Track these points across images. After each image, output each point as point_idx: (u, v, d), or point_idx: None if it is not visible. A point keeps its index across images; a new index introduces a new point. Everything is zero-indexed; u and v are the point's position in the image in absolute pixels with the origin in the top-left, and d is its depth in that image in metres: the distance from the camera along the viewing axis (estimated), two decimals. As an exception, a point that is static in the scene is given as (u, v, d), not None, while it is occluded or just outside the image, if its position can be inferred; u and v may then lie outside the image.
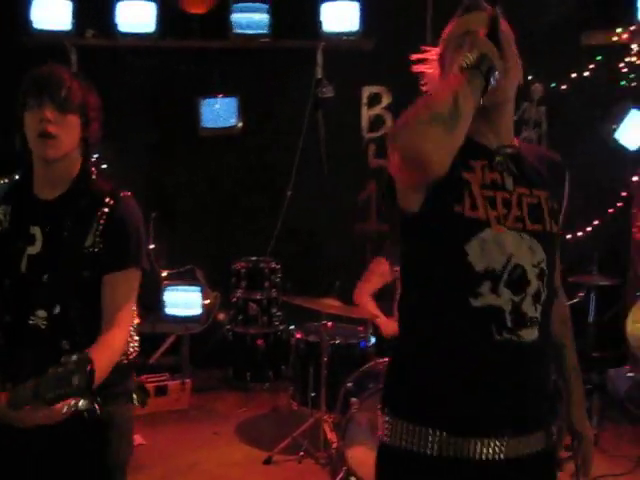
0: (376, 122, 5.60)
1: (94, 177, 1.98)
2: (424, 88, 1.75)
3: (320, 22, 5.27)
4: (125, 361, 1.97)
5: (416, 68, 1.76)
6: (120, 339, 1.88)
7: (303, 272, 5.29)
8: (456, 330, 1.55)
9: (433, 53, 1.73)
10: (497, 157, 1.62)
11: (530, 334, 1.55)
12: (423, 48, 1.76)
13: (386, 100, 5.55)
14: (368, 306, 4.22)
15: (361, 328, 4.25)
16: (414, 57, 1.75)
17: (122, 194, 1.95)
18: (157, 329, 5.02)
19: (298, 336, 4.26)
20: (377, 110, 5.58)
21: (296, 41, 5.39)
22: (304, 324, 4.35)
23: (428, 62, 1.74)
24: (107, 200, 1.90)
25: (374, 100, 5.58)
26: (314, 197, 5.28)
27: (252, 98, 5.42)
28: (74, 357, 1.54)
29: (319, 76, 5.42)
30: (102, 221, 1.88)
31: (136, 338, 2.06)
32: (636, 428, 4.35)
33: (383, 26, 5.23)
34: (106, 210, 1.89)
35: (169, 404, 4.75)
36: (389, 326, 4.03)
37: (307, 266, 5.32)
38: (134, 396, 2.03)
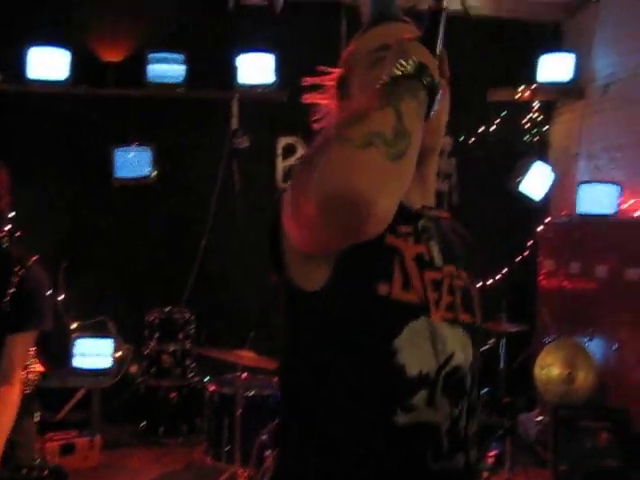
0: (291, 173, 5.65)
1: (6, 246, 2.19)
2: (317, 125, 1.35)
3: (236, 73, 5.34)
4: None
5: (306, 99, 1.38)
6: (17, 396, 2.05)
7: (218, 323, 5.24)
8: (376, 454, 1.13)
9: (328, 78, 1.35)
10: (421, 222, 1.22)
11: (461, 459, 1.19)
12: (319, 70, 1.38)
13: (301, 151, 5.64)
14: None
15: (276, 379, 4.22)
16: (304, 82, 1.38)
17: (31, 262, 2.16)
18: (66, 383, 4.85)
19: (212, 388, 4.19)
20: (292, 161, 5.65)
21: (212, 91, 5.43)
22: (218, 376, 4.29)
23: (322, 91, 1.36)
24: (17, 269, 2.11)
25: (289, 151, 5.66)
26: (229, 247, 5.26)
27: (167, 148, 5.40)
28: None
29: (234, 126, 5.45)
30: (12, 288, 2.08)
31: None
32: (545, 471, 4.45)
33: (298, 77, 5.31)
34: (16, 279, 2.10)
35: (77, 462, 4.55)
36: None
37: (222, 317, 5.27)
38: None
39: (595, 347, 4.64)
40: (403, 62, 1.05)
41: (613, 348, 4.46)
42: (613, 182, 5.04)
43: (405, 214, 1.17)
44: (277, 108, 5.36)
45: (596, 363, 4.49)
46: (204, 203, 5.38)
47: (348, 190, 0.90)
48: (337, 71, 1.34)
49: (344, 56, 1.34)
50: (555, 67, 5.60)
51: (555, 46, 5.89)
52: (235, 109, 5.49)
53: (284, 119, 5.43)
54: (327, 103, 1.36)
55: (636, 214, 4.77)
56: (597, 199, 4.95)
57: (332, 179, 0.92)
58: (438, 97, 1.07)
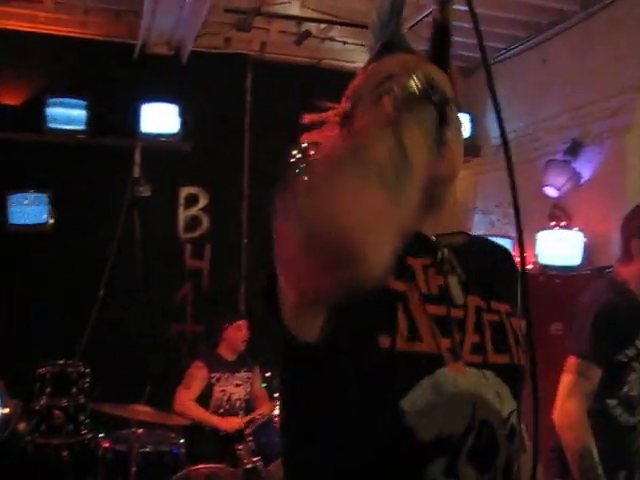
0: (192, 223, 5.62)
1: None
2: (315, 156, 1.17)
3: (139, 121, 5.29)
4: None
5: (306, 138, 1.20)
6: None
7: (114, 376, 5.04)
8: None
9: (331, 114, 1.20)
10: (440, 252, 1.09)
11: None
12: (318, 106, 1.21)
13: (203, 201, 5.61)
14: (197, 412, 4.24)
15: (174, 435, 4.10)
16: (306, 119, 1.21)
17: None
18: (-54, 443, 4.52)
19: (105, 445, 4.01)
20: (194, 211, 5.61)
21: (114, 139, 5.35)
22: (113, 432, 4.12)
23: (322, 128, 1.20)
24: None
25: (191, 201, 5.62)
26: (128, 298, 5.13)
27: (66, 195, 5.25)
28: None
29: (136, 175, 5.37)
30: None
31: None
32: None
33: (202, 128, 5.34)
34: None
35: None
36: (226, 422, 4.16)
37: (119, 370, 5.08)
38: None
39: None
40: (412, 80, 0.95)
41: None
42: (506, 236, 5.25)
43: (419, 243, 1.06)
44: (180, 158, 5.34)
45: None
46: (103, 252, 5.24)
47: (340, 234, 0.77)
48: (340, 107, 1.20)
49: (348, 91, 1.20)
50: (452, 126, 5.84)
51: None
52: (137, 157, 5.42)
53: (187, 169, 5.41)
54: (329, 137, 1.19)
55: (529, 267, 4.98)
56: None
57: (326, 223, 0.77)
58: (451, 115, 0.97)
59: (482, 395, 1.00)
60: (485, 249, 1.23)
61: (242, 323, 4.52)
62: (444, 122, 0.96)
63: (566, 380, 2.33)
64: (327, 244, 0.78)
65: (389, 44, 1.14)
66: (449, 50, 1.06)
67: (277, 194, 0.82)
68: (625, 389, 2.31)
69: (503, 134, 0.96)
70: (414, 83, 0.95)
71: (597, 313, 2.33)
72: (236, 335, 4.48)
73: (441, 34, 1.06)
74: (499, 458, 1.01)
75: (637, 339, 2.31)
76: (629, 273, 2.40)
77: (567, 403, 2.30)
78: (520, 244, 0.99)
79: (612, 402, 2.32)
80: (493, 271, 1.15)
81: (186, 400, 4.31)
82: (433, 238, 1.10)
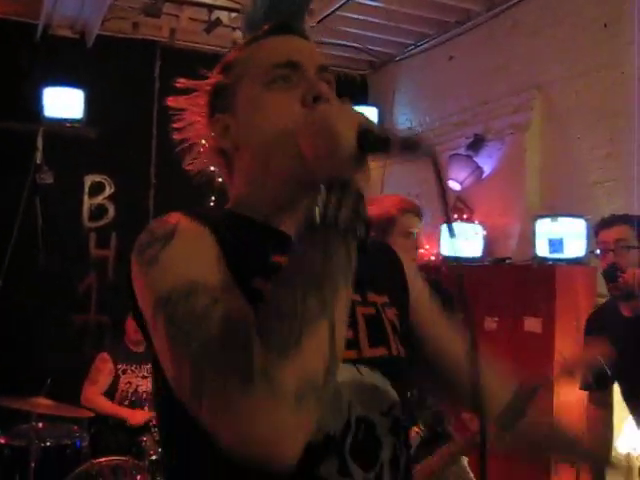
0: (98, 211, 5.48)
1: None
2: (178, 135, 1.20)
3: (42, 106, 5.11)
4: None
5: (172, 102, 1.19)
6: None
7: (14, 370, 4.87)
8: None
9: (205, 83, 1.15)
10: None
11: None
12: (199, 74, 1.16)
13: (109, 189, 5.48)
14: (105, 406, 4.21)
15: (76, 427, 4.00)
16: (179, 84, 1.18)
17: None
18: None
19: (2, 441, 3.87)
20: (99, 199, 5.47)
21: (15, 123, 5.14)
22: (11, 428, 3.98)
23: (192, 97, 1.17)
24: None
25: (96, 189, 5.48)
26: (28, 287, 4.96)
27: (-39, 180, 5.02)
28: None
29: (38, 161, 5.19)
30: None
31: None
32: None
33: (108, 115, 5.21)
34: None
35: None
36: (135, 416, 4.10)
37: (19, 363, 4.91)
38: None
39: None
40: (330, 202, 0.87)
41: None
42: (412, 228, 5.38)
43: (279, 239, 1.02)
44: (85, 145, 5.18)
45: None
46: (2, 240, 5.04)
47: (263, 445, 0.78)
48: (215, 77, 1.13)
49: (226, 61, 1.13)
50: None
51: (362, 97, 6.26)
52: (40, 143, 5.24)
53: (92, 156, 5.27)
54: (193, 111, 1.17)
55: (432, 258, 5.11)
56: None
57: (247, 434, 0.77)
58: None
59: (358, 391, 0.98)
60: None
61: None
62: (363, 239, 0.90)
63: None
64: (249, 454, 0.79)
65: (284, 25, 1.09)
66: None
67: None
68: None
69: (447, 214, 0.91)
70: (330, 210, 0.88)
71: None
72: (134, 326, 4.41)
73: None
74: (383, 453, 0.99)
75: None
76: None
77: None
78: (450, 232, 1.00)
79: None
80: (369, 264, 1.02)
81: (93, 395, 4.22)
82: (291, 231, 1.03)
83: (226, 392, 0.78)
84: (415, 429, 2.45)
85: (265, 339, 0.79)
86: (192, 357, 0.82)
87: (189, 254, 0.95)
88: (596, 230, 2.95)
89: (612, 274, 2.74)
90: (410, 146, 0.89)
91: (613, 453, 3.13)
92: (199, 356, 0.81)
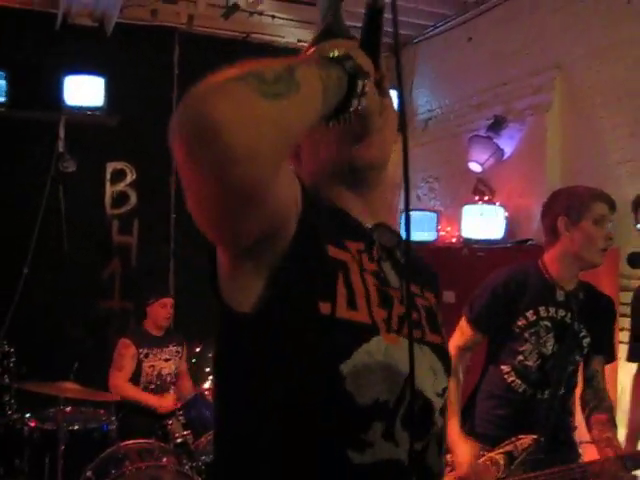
0: (120, 198, 5.53)
1: None
2: None
3: (63, 95, 5.15)
4: None
5: None
6: None
7: (41, 355, 4.95)
8: None
9: None
10: (376, 239, 1.12)
11: None
12: None
13: (130, 176, 5.53)
14: (134, 393, 4.25)
15: (103, 411, 4.07)
16: None
17: None
18: None
19: (32, 425, 3.95)
20: (121, 186, 5.52)
21: (36, 112, 5.19)
22: (40, 411, 4.06)
23: None
24: None
25: (118, 176, 5.53)
26: (54, 275, 5.03)
27: (-15, 170, 5.10)
28: None
29: (61, 150, 5.25)
30: None
31: None
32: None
33: (128, 102, 5.24)
34: None
35: None
36: (165, 401, 4.16)
37: (45, 349, 4.99)
38: None
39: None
40: (333, 49, 0.97)
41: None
42: (432, 210, 5.38)
43: (356, 230, 1.10)
44: (106, 132, 5.23)
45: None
46: (27, 229, 5.11)
47: (201, 114, 0.77)
48: None
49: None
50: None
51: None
52: (62, 132, 5.29)
53: (113, 144, 5.31)
54: None
55: (453, 240, 5.11)
56: (418, 226, 5.25)
57: (190, 105, 0.79)
58: (361, 89, 0.96)
59: (417, 367, 1.00)
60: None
61: (167, 301, 4.50)
62: (354, 92, 0.96)
63: (454, 334, 2.57)
64: (197, 128, 0.78)
65: (327, 32, 1.14)
66: (380, 37, 1.04)
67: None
68: (520, 357, 2.47)
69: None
70: (333, 51, 0.97)
71: (494, 288, 2.52)
72: (159, 312, 4.46)
73: (373, 21, 1.04)
74: (433, 428, 1.06)
75: (529, 311, 2.46)
76: (551, 256, 2.52)
77: None
78: (407, 223, 1.02)
79: (506, 368, 2.50)
80: (421, 266, 1.25)
81: (120, 382, 4.28)
82: (367, 225, 1.13)
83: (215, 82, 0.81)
84: (531, 436, 2.39)
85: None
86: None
87: None
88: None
89: None
90: None
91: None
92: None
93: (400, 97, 1.03)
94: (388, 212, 1.19)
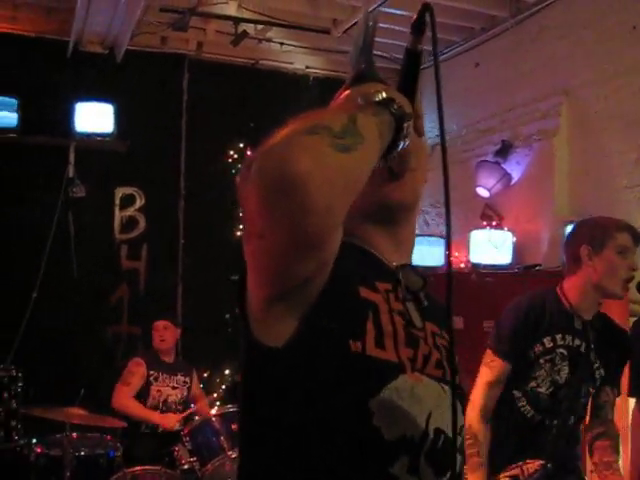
0: (129, 224, 5.56)
1: None
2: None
3: (73, 121, 5.20)
4: None
5: None
6: None
7: (48, 380, 4.95)
8: None
9: None
10: (401, 280, 1.15)
11: None
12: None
13: (139, 202, 5.56)
14: (136, 409, 4.25)
15: (109, 437, 4.05)
16: None
17: None
18: None
19: (38, 450, 3.94)
20: (130, 211, 5.55)
21: (47, 138, 5.24)
22: (46, 437, 4.04)
23: None
24: None
25: (127, 201, 5.56)
26: (62, 300, 5.05)
27: (-3, 195, 5.14)
28: None
29: (70, 175, 5.29)
30: None
31: None
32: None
33: (138, 128, 5.29)
34: None
35: None
36: (167, 420, 4.17)
37: (53, 374, 4.99)
38: None
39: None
40: (378, 92, 1.00)
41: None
42: (440, 236, 5.37)
43: (383, 270, 1.13)
44: (115, 158, 5.27)
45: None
46: (36, 253, 5.14)
47: (283, 168, 0.83)
48: None
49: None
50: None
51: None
52: (72, 157, 5.33)
53: (123, 169, 5.36)
54: None
55: (461, 265, 5.09)
56: (426, 252, 5.24)
57: (270, 158, 0.85)
58: (406, 132, 1.01)
59: (439, 405, 1.06)
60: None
61: (159, 324, 4.52)
62: (401, 134, 1.00)
63: (480, 371, 2.52)
64: (277, 182, 0.83)
65: (361, 75, 1.16)
66: (418, 79, 1.09)
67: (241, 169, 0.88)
68: (532, 384, 2.44)
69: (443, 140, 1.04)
70: (377, 95, 1.00)
71: (517, 315, 2.48)
72: (154, 336, 4.51)
73: (412, 64, 1.08)
74: (457, 465, 1.07)
75: (546, 337, 2.43)
76: (571, 284, 2.49)
77: (473, 390, 2.50)
78: (448, 248, 1.07)
79: (517, 393, 2.47)
80: (438, 306, 1.23)
81: (125, 397, 4.28)
82: (393, 265, 1.16)
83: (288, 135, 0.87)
84: (538, 461, 2.38)
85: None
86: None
87: None
88: None
89: None
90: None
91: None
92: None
93: (441, 124, 1.05)
94: (411, 249, 1.22)
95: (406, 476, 1.01)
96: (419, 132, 1.11)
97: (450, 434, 1.07)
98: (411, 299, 1.14)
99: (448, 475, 1.06)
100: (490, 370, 2.48)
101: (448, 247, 1.09)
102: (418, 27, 1.07)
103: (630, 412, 3.06)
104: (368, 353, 1.01)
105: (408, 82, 1.09)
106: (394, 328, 1.06)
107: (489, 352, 2.50)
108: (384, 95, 1.00)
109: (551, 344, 2.43)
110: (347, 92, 1.12)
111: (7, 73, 5.08)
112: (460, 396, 1.14)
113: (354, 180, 0.90)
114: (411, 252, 1.22)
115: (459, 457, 1.10)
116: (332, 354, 1.00)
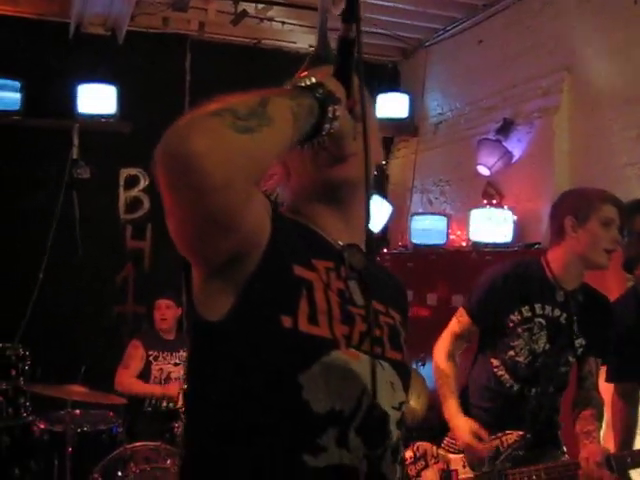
0: (133, 204, 5.61)
1: None
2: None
3: (76, 103, 5.24)
4: None
5: None
6: None
7: (56, 358, 5.03)
8: None
9: None
10: (346, 259, 1.18)
11: None
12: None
13: (143, 182, 5.59)
14: (137, 386, 4.36)
15: (112, 413, 4.13)
16: None
17: None
18: None
19: (41, 426, 4.02)
20: (134, 192, 5.59)
21: (50, 120, 5.28)
22: (49, 413, 4.13)
23: None
24: None
25: (131, 182, 5.60)
26: (68, 280, 5.11)
27: (2, 177, 5.19)
28: None
29: (74, 157, 5.34)
30: None
31: None
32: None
33: (140, 109, 5.31)
34: None
35: None
36: (170, 388, 4.27)
37: (59, 352, 5.07)
38: None
39: (427, 371, 4.87)
40: (305, 79, 1.06)
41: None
42: (443, 214, 5.37)
43: (326, 249, 1.16)
44: (119, 139, 5.31)
45: (427, 386, 4.71)
46: (42, 234, 5.21)
47: (182, 149, 0.87)
48: None
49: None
50: (392, 105, 5.93)
51: (394, 85, 6.24)
52: (75, 139, 5.38)
53: (126, 150, 5.38)
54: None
55: (462, 244, 5.10)
56: (429, 230, 5.25)
57: (173, 141, 0.89)
58: (332, 114, 1.04)
59: (376, 381, 1.09)
60: (381, 267, 1.43)
61: (160, 302, 4.58)
62: (325, 117, 1.04)
63: (450, 322, 2.63)
64: (175, 160, 0.88)
65: (317, 56, 1.23)
66: (352, 66, 1.12)
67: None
68: (511, 352, 2.48)
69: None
70: (306, 80, 1.05)
71: (494, 279, 2.52)
72: (155, 315, 4.58)
73: (345, 51, 1.11)
74: (388, 440, 1.12)
75: (525, 306, 2.46)
76: (555, 255, 2.50)
77: (440, 337, 2.64)
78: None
79: (496, 362, 2.52)
80: (388, 284, 1.31)
81: (125, 378, 4.36)
82: (339, 243, 1.19)
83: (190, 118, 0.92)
84: (518, 432, 2.41)
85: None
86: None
87: None
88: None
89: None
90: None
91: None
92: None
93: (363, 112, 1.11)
94: (361, 229, 1.24)
95: (334, 448, 1.05)
96: (356, 117, 1.12)
97: (387, 409, 1.12)
98: (355, 278, 1.17)
99: (382, 448, 1.11)
100: (458, 323, 2.59)
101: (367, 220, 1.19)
102: (348, 14, 1.08)
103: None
104: (300, 329, 1.04)
105: (342, 69, 1.11)
106: (329, 305, 1.09)
107: (461, 308, 2.60)
108: (312, 80, 1.05)
109: (529, 313, 2.46)
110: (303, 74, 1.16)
111: (10, 56, 5.11)
112: (403, 373, 1.20)
113: (257, 159, 0.94)
114: (363, 231, 1.23)
115: (396, 431, 1.14)
116: (264, 329, 1.05)
